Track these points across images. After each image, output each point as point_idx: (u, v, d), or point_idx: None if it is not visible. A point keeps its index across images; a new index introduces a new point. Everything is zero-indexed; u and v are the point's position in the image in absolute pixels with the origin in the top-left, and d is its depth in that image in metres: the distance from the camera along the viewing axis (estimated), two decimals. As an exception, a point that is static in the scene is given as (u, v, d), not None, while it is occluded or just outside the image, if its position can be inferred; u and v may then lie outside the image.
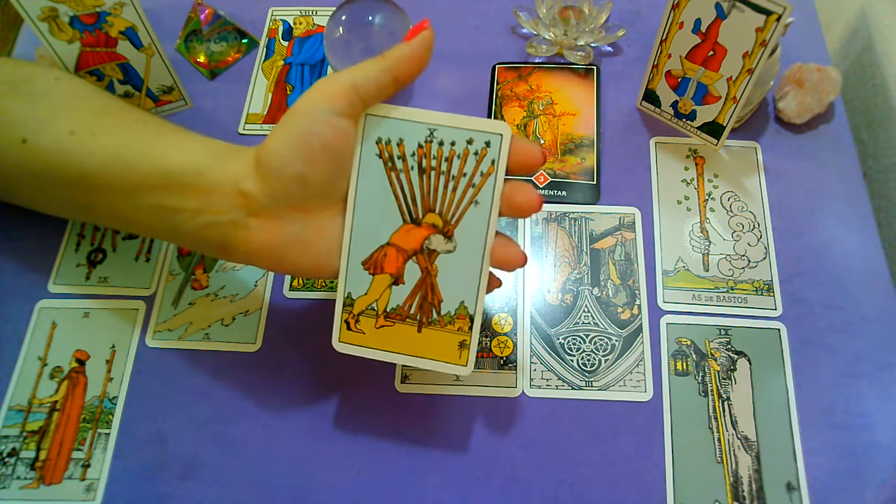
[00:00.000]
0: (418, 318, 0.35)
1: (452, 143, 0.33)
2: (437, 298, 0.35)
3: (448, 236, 0.34)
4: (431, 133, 0.33)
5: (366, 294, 0.35)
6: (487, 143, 0.33)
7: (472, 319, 0.35)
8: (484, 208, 0.34)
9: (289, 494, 0.40)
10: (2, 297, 0.46)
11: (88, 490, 0.40)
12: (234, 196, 0.33)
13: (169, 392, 0.43)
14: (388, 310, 0.35)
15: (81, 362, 0.44)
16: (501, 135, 0.33)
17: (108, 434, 0.42)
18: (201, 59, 0.55)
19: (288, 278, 0.46)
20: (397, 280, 0.35)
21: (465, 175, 0.33)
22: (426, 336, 0.35)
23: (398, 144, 0.34)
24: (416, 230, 0.34)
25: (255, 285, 0.46)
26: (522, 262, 0.35)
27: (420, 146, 0.34)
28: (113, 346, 0.44)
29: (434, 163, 0.34)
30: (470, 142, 0.33)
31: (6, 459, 0.41)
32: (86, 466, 0.41)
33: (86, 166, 0.35)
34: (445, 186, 0.34)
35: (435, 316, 0.35)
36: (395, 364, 0.43)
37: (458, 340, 0.35)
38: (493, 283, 0.37)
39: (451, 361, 0.36)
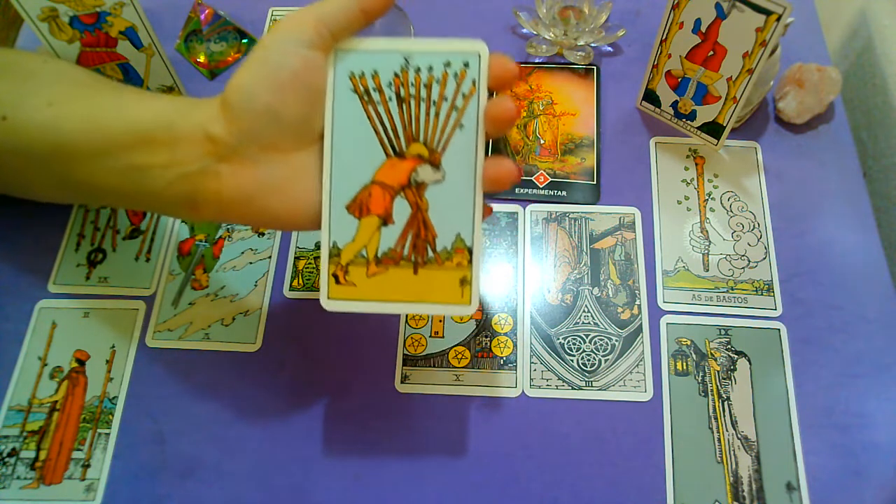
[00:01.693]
0: (413, 258, 0.33)
1: (430, 69, 0.32)
2: (431, 234, 0.33)
3: (436, 165, 0.32)
4: (406, 61, 0.32)
5: (353, 240, 0.33)
6: (466, 64, 0.32)
7: (470, 252, 0.33)
8: (470, 131, 0.32)
9: (288, 494, 0.40)
10: (2, 297, 0.46)
11: (88, 490, 0.40)
12: (202, 143, 0.32)
13: (169, 392, 0.43)
14: (378, 255, 0.33)
15: (81, 362, 0.44)
16: (479, 53, 0.32)
17: (108, 434, 0.42)
18: (201, 59, 0.55)
19: (288, 277, 0.46)
20: (386, 220, 0.33)
21: (446, 99, 0.32)
22: (423, 277, 0.33)
23: (373, 76, 0.32)
24: (401, 163, 0.33)
25: (255, 285, 0.46)
26: (516, 176, 0.33)
27: (396, 75, 0.32)
28: (113, 346, 0.44)
29: (413, 90, 0.32)
30: (448, 64, 0.32)
31: (6, 459, 0.41)
32: (86, 466, 0.41)
33: (61, 135, 0.35)
34: (427, 113, 0.32)
35: (431, 254, 0.33)
36: (395, 363, 0.43)
37: (458, 277, 0.33)
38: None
39: (452, 302, 0.33)
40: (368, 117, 0.32)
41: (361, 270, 0.33)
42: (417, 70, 0.32)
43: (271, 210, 0.33)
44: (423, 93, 0.32)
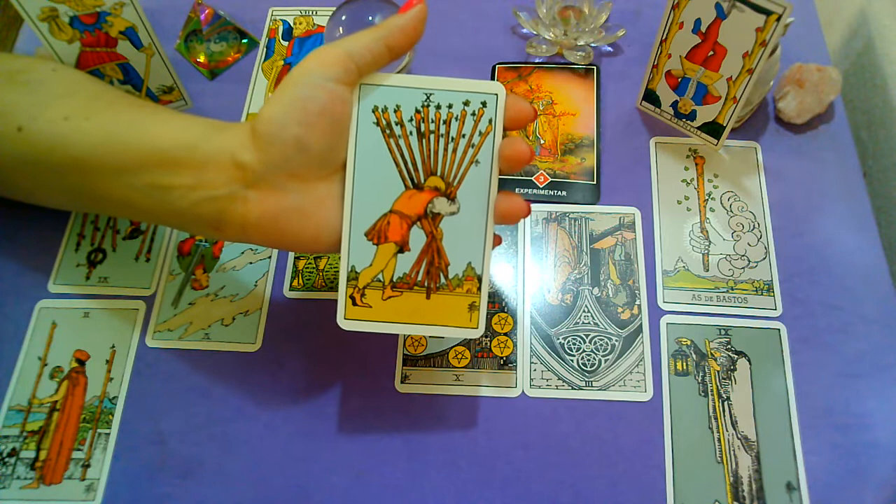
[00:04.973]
0: (426, 284, 0.35)
1: (450, 106, 0.34)
2: (444, 262, 0.35)
3: (451, 198, 0.34)
4: (428, 97, 0.34)
5: (370, 265, 0.35)
6: (483, 104, 0.34)
7: (479, 280, 0.35)
8: (485, 167, 0.34)
9: (289, 494, 0.40)
10: (2, 297, 0.46)
11: (88, 490, 0.40)
12: (230, 169, 0.33)
13: (169, 392, 0.43)
14: (394, 279, 0.35)
15: (81, 362, 0.44)
16: (497, 94, 0.34)
17: (108, 434, 0.42)
18: (201, 59, 0.55)
19: (288, 277, 0.46)
20: (402, 248, 0.35)
21: (464, 136, 0.34)
22: (435, 302, 0.35)
23: (395, 111, 0.34)
24: (418, 195, 0.34)
25: (255, 285, 0.46)
26: (526, 212, 0.35)
27: (417, 111, 0.34)
28: (113, 346, 0.44)
29: (433, 126, 0.34)
30: (467, 103, 0.34)
31: (6, 459, 0.41)
32: (86, 466, 0.41)
33: (80, 149, 0.35)
34: (445, 148, 0.34)
35: (443, 280, 0.35)
36: (395, 363, 0.43)
37: (467, 303, 0.35)
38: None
39: (461, 325, 0.35)
40: (389, 150, 0.34)
41: (377, 294, 0.35)
42: (438, 107, 0.34)
43: (293, 234, 0.34)
44: (443, 129, 0.34)
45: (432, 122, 0.34)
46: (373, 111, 0.34)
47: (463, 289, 0.35)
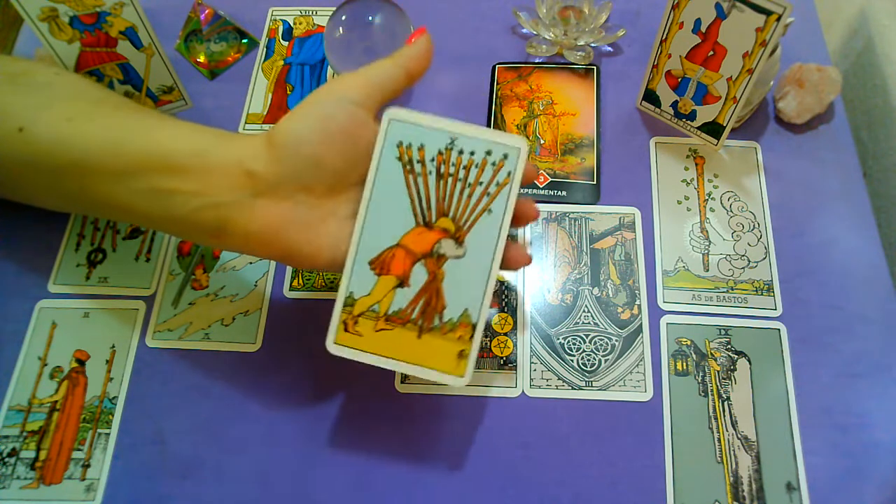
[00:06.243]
0: (420, 323, 0.35)
1: (472, 153, 0.35)
2: (441, 304, 0.35)
3: (459, 242, 0.35)
4: (452, 141, 0.35)
5: (368, 295, 0.35)
6: (505, 156, 0.35)
7: (474, 328, 0.35)
8: (496, 217, 0.35)
9: (288, 494, 0.40)
10: (2, 297, 0.46)
11: (88, 490, 0.40)
12: (238, 176, 0.33)
13: (169, 392, 0.43)
14: (389, 312, 0.35)
15: (81, 362, 0.44)
16: (520, 149, 0.34)
17: (108, 434, 0.42)
18: (201, 59, 0.55)
19: (288, 277, 0.46)
20: (403, 282, 0.35)
21: (481, 184, 0.35)
22: (425, 343, 0.35)
23: (419, 149, 0.35)
24: (427, 233, 0.35)
25: (255, 285, 0.46)
26: (527, 261, 0.37)
27: (440, 153, 0.35)
28: (113, 346, 0.44)
29: (452, 169, 0.35)
30: (489, 153, 0.35)
31: (6, 459, 0.41)
32: (86, 466, 0.41)
33: (81, 151, 0.35)
34: (461, 193, 0.35)
35: (437, 322, 0.35)
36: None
37: (457, 350, 0.35)
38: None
39: (448, 371, 0.35)
40: (407, 185, 0.35)
41: (370, 324, 0.35)
42: (460, 152, 0.35)
43: (294, 247, 0.34)
44: (462, 173, 0.35)
45: (453, 165, 0.35)
46: (397, 146, 0.35)
47: (455, 334, 0.35)
